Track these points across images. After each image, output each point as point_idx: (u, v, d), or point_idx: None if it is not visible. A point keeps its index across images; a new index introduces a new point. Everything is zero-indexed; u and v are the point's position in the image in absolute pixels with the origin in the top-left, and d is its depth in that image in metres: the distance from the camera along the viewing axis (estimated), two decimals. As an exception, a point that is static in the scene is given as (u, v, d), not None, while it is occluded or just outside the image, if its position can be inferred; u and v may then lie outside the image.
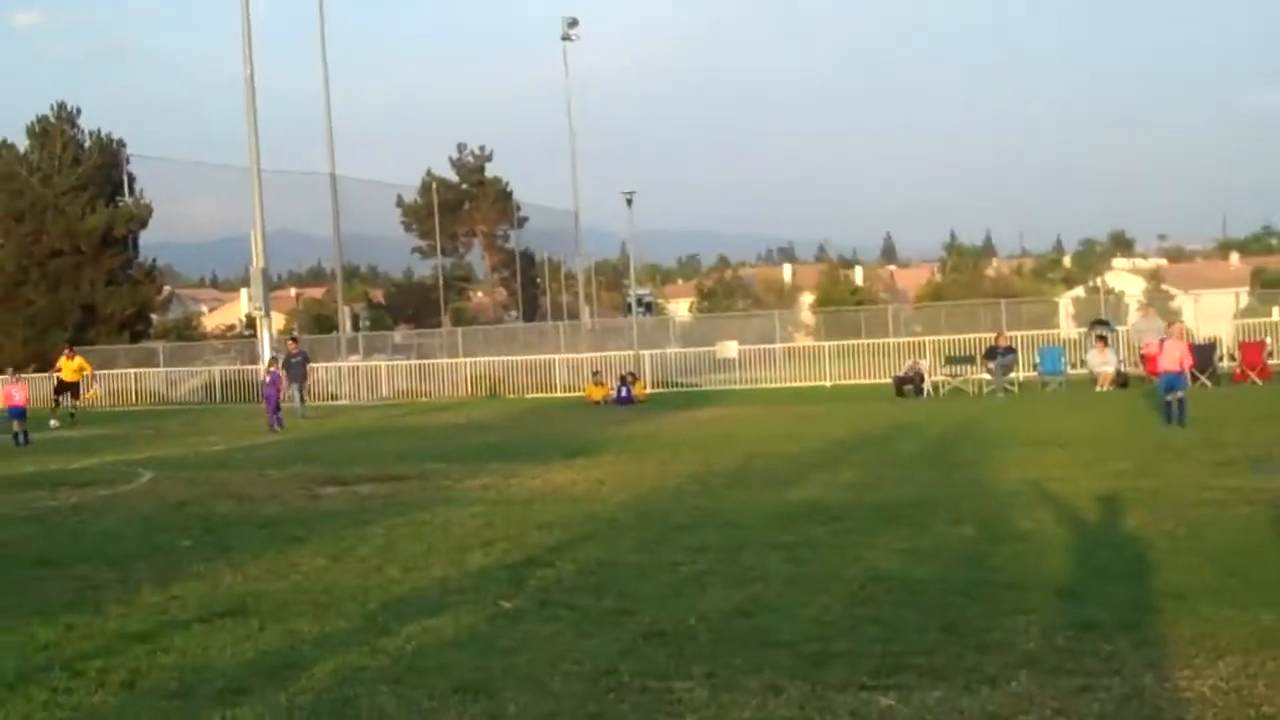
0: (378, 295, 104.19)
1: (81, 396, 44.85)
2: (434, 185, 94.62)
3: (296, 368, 41.46)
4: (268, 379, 37.75)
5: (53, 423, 40.37)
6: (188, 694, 7.93)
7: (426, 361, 56.41)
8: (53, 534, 15.47)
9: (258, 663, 8.65)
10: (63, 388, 43.32)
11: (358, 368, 56.68)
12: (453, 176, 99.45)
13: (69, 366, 43.47)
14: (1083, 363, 42.29)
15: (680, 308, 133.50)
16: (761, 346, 54.95)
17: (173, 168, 78.05)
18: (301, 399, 41.32)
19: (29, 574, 12.62)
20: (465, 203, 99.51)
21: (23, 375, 41.32)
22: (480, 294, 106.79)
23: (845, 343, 51.85)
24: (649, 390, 45.29)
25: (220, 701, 7.72)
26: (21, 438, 33.91)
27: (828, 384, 47.59)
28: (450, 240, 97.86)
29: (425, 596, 10.76)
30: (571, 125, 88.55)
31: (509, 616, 9.93)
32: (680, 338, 68.76)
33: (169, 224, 77.99)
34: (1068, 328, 58.89)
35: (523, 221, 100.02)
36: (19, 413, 34.84)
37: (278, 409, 36.37)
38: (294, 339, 48.33)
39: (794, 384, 48.51)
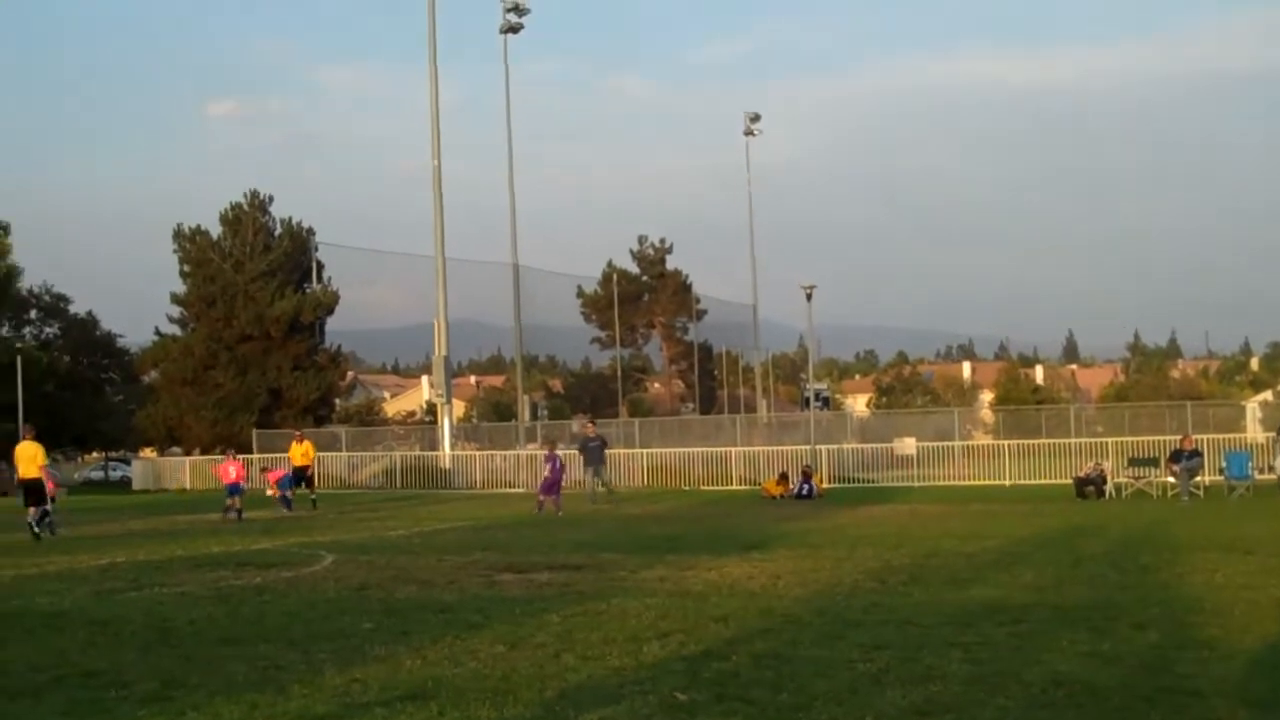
0: (556, 384, 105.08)
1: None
2: (614, 276, 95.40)
3: (594, 451, 41.96)
4: (549, 465, 37.76)
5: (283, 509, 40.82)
6: (369, 775, 8.02)
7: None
8: (237, 613, 15.72)
9: (437, 747, 8.73)
10: (298, 475, 43.53)
11: (535, 456, 57.06)
12: (633, 268, 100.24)
13: (298, 451, 43.93)
14: (1270, 468, 41.37)
15: (858, 403, 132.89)
16: (940, 443, 54.48)
17: (358, 255, 79.77)
18: (602, 482, 41.85)
19: (214, 652, 12.82)
20: (645, 294, 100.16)
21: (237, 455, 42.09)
22: (657, 385, 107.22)
23: (1025, 442, 51.22)
24: (825, 485, 45.05)
25: (401, 784, 7.81)
26: (235, 514, 35.01)
27: (1007, 483, 47.01)
28: (629, 331, 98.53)
29: (602, 686, 10.76)
30: (752, 220, 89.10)
31: (685, 709, 9.89)
32: (858, 433, 68.37)
33: (353, 310, 79.47)
34: (1254, 432, 57.62)
35: (701, 314, 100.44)
36: (236, 489, 35.96)
37: (555, 490, 36.55)
38: (591, 422, 48.93)
39: (972, 482, 48.01)
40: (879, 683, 10.76)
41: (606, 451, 44.48)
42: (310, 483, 43.58)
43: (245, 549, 25.54)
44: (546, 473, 37.66)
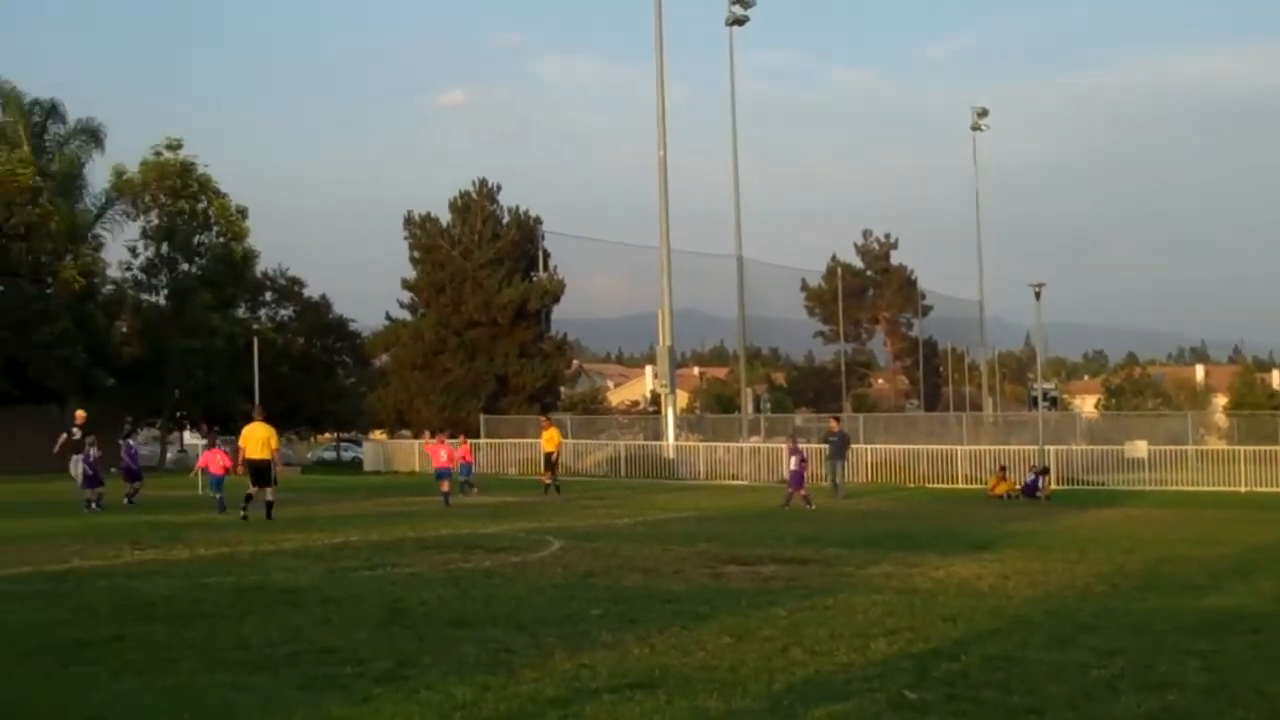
0: (779, 378, 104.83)
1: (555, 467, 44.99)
2: (839, 270, 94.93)
3: (836, 446, 42.11)
4: (794, 459, 37.69)
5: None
6: (600, 761, 8.07)
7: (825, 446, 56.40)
8: (467, 596, 15.93)
9: (666, 736, 8.75)
10: (547, 460, 44.06)
11: (758, 449, 57.04)
12: (857, 262, 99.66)
13: (546, 436, 44.51)
14: None
15: (1085, 404, 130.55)
16: (1172, 447, 53.27)
17: (584, 245, 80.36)
18: (838, 478, 41.85)
19: (445, 633, 13.01)
20: (869, 289, 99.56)
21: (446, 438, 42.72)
22: (881, 381, 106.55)
23: (1262, 448, 49.84)
24: (1054, 487, 44.28)
25: (631, 771, 7.84)
26: (446, 498, 35.49)
27: (1242, 489, 45.84)
28: (853, 326, 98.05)
29: (830, 681, 10.70)
30: (979, 215, 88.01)
31: (914, 708, 9.79)
32: (1086, 435, 67.12)
33: (578, 300, 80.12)
34: None
35: (927, 310, 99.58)
36: (445, 473, 36.42)
37: (801, 483, 36.64)
38: (836, 419, 49.02)
39: (1205, 488, 46.88)
40: (1113, 689, 10.55)
41: (849, 447, 44.44)
42: (554, 468, 44.00)
43: (474, 532, 25.90)
44: (793, 466, 37.32)
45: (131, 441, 34.76)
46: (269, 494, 29.72)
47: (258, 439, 30.37)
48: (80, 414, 36.20)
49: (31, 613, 14.23)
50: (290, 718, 9.11)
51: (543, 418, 49.61)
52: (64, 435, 34.77)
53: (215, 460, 33.76)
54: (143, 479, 34.37)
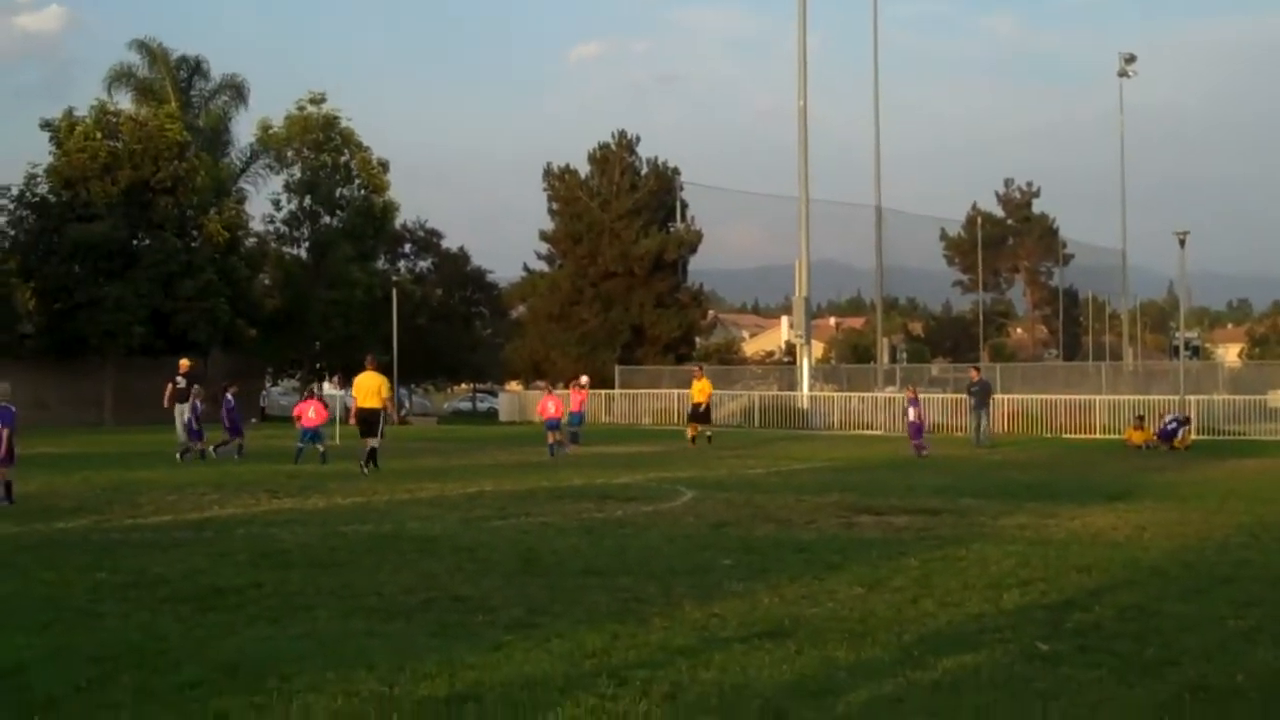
0: (916, 327, 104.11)
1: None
2: (978, 219, 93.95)
3: (979, 395, 42.03)
4: (911, 410, 37.42)
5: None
6: (728, 711, 8.07)
7: (962, 396, 55.95)
8: (599, 545, 16.02)
9: (796, 685, 8.73)
10: (696, 412, 43.72)
11: (894, 399, 56.72)
12: (998, 211, 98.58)
13: (696, 387, 44.12)
14: None
15: (1229, 353, 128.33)
16: (1320, 397, 52.23)
17: (722, 196, 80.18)
18: (980, 427, 41.91)
19: (577, 582, 13.10)
20: (1009, 238, 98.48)
21: (555, 389, 42.85)
22: (1020, 330, 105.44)
23: None
24: (1194, 437, 43.59)
25: (758, 720, 7.84)
26: (551, 449, 35.45)
27: (1392, 439, 44.88)
28: (992, 275, 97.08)
29: (961, 632, 10.64)
30: (1123, 163, 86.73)
31: (1046, 659, 9.71)
32: (1228, 384, 65.95)
33: (715, 250, 79.85)
34: None
35: (1068, 259, 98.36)
36: (555, 424, 36.47)
37: (919, 434, 36.58)
38: (976, 368, 48.85)
39: (1354, 439, 45.92)
40: (1251, 640, 10.41)
41: (992, 397, 44.07)
42: (706, 418, 43.94)
43: (607, 482, 26.03)
44: (910, 417, 37.09)
45: (230, 396, 34.66)
46: (372, 442, 29.00)
47: (369, 388, 29.79)
48: (184, 363, 36.44)
49: (171, 560, 14.52)
50: (423, 665, 9.21)
51: (696, 368, 49.44)
52: (170, 385, 34.74)
53: (308, 412, 33.42)
54: (243, 434, 34.16)
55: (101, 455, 33.64)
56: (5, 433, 20.62)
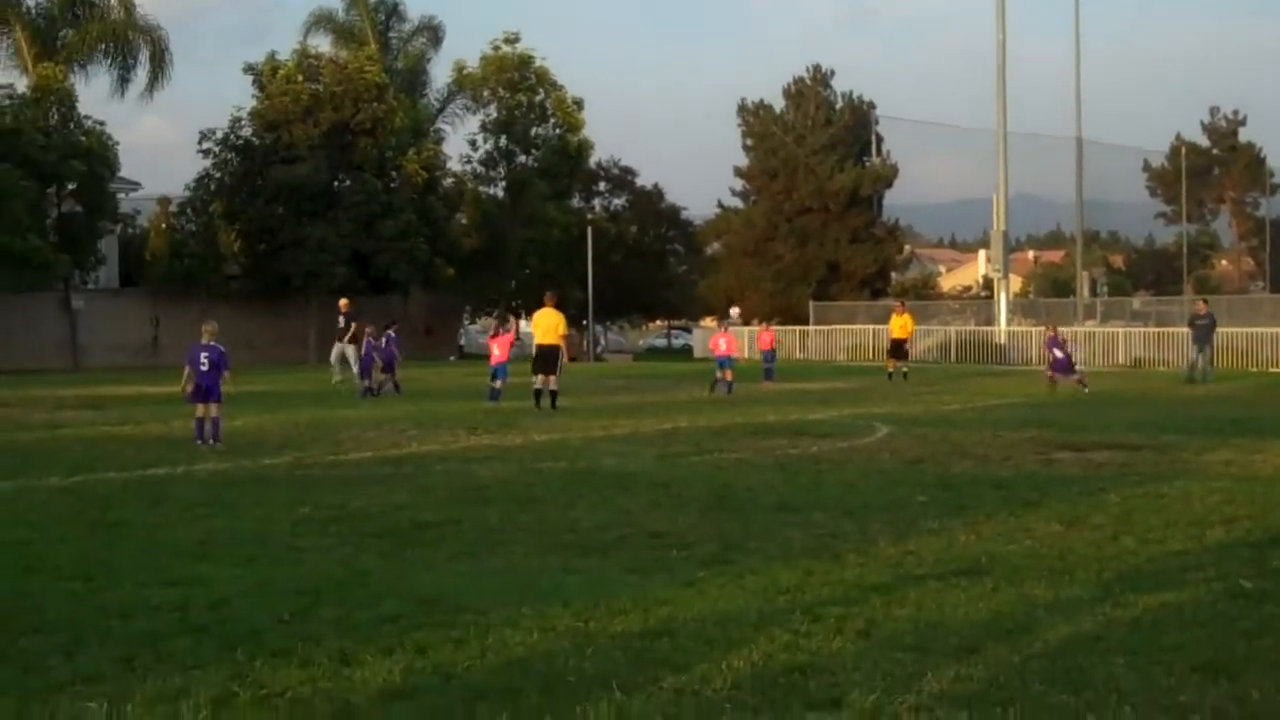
0: (1117, 260, 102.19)
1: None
2: (1183, 150, 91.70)
3: (1204, 330, 41.49)
4: (1055, 350, 36.35)
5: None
6: (923, 648, 8.01)
7: (1165, 330, 54.85)
8: (793, 481, 16.00)
9: (991, 623, 8.64)
10: (896, 347, 43.37)
11: (1093, 333, 55.83)
12: (1202, 140, 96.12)
13: (897, 323, 43.73)
14: None
15: None
16: None
17: (918, 129, 79.50)
18: (1201, 362, 41.49)
19: (771, 519, 13.10)
20: (1214, 168, 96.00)
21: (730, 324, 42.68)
22: (1225, 263, 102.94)
23: None
24: None
25: (954, 658, 7.76)
26: (725, 387, 35.14)
27: None
28: (1196, 206, 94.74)
29: (1162, 570, 10.44)
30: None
31: (1251, 597, 9.49)
32: None
33: (911, 185, 79.38)
34: None
35: (1275, 189, 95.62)
36: (727, 362, 36.06)
37: (1067, 369, 35.18)
38: (1204, 300, 48.13)
39: None
40: None
41: (1215, 331, 43.11)
42: (904, 355, 43.53)
43: (801, 418, 25.97)
44: (1057, 354, 35.82)
45: (392, 333, 34.83)
46: (553, 383, 28.76)
47: (548, 325, 29.45)
48: (344, 302, 36.96)
49: (371, 496, 14.80)
50: (617, 600, 9.27)
51: (898, 303, 48.93)
52: (355, 327, 35.14)
53: (506, 345, 32.85)
54: (394, 371, 34.25)
55: (304, 394, 34.34)
56: (226, 374, 21.16)
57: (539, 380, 28.95)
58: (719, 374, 35.81)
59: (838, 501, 14.15)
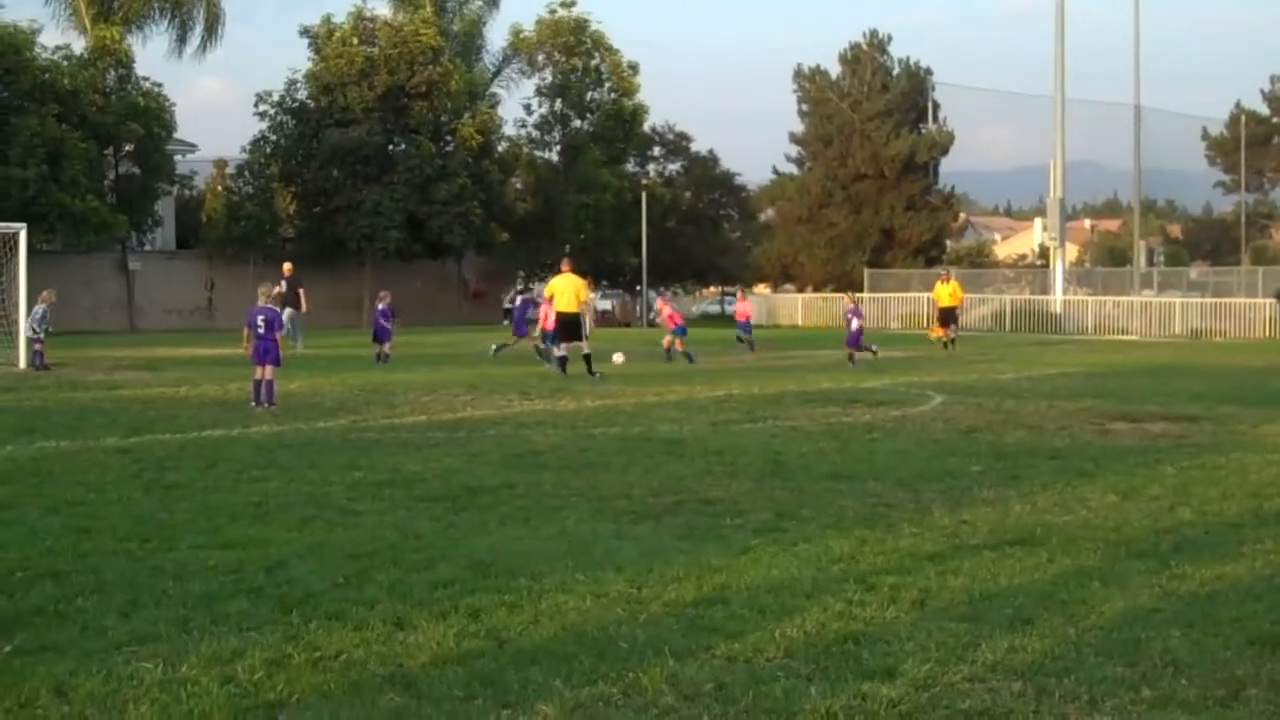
0: (1174, 230, 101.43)
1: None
2: (1242, 118, 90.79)
3: None
4: (854, 320, 35.54)
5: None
6: (976, 618, 7.98)
7: (1222, 300, 54.46)
8: (847, 450, 15.96)
9: (1046, 594, 8.60)
10: (945, 315, 42.19)
11: (1150, 303, 55.50)
12: (1263, 109, 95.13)
13: (944, 291, 42.47)
14: None
15: None
16: None
17: (975, 96, 79.14)
18: None
19: (825, 487, 13.07)
20: (1274, 137, 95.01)
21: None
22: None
23: None
24: None
25: (1008, 629, 7.72)
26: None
27: None
28: (1255, 176, 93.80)
29: (1219, 542, 10.36)
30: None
31: (1311, 571, 9.44)
32: None
33: (967, 152, 79.10)
34: None
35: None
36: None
37: (856, 343, 33.89)
38: None
39: None
40: None
41: None
42: (955, 322, 42.54)
43: (855, 386, 25.88)
44: (853, 326, 34.28)
45: (381, 305, 34.45)
46: (585, 346, 28.22)
47: (567, 291, 28.56)
48: (287, 266, 37.66)
49: (425, 460, 14.84)
50: (670, 567, 9.27)
51: (943, 271, 48.10)
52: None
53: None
54: (389, 339, 33.85)
55: (359, 357, 34.42)
56: (278, 336, 21.28)
57: (563, 348, 28.36)
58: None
59: (891, 470, 14.11)
